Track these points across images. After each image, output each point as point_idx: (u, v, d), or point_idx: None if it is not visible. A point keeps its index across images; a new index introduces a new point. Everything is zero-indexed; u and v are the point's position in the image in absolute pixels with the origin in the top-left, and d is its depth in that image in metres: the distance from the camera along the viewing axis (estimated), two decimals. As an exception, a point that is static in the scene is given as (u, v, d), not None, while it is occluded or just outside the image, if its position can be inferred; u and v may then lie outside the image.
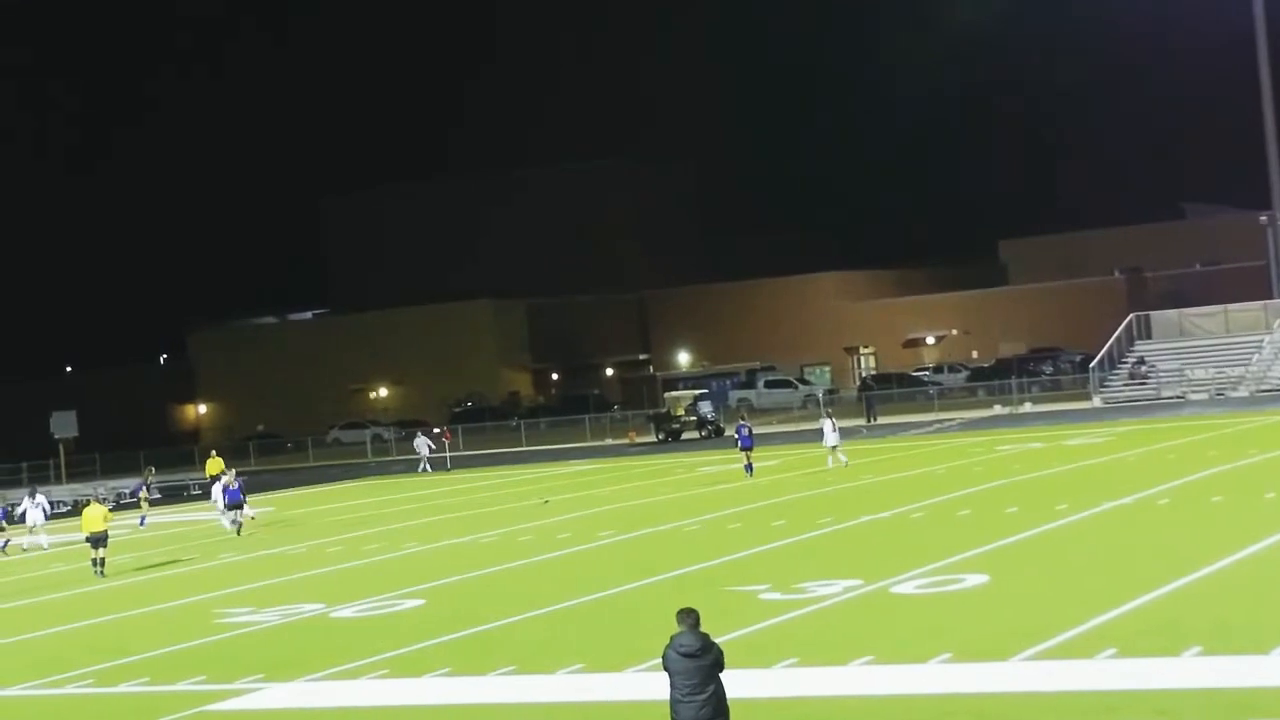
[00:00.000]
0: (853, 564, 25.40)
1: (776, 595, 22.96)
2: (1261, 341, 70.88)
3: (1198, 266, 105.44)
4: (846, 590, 22.90)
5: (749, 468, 46.33)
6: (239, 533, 42.91)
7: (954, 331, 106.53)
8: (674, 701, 12.66)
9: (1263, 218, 78.04)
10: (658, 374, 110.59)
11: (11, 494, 60.50)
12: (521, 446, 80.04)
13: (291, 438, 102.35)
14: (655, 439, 73.65)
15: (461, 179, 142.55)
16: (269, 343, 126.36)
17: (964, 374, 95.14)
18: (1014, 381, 79.54)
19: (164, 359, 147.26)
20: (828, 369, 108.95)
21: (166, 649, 23.56)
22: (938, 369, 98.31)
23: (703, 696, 12.53)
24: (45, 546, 44.36)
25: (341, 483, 65.86)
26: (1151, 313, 77.49)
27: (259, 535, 42.52)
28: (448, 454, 69.44)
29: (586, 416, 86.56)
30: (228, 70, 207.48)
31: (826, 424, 47.04)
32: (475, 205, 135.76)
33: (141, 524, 49.83)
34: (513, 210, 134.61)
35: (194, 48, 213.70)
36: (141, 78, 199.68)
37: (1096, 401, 70.48)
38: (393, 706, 18.30)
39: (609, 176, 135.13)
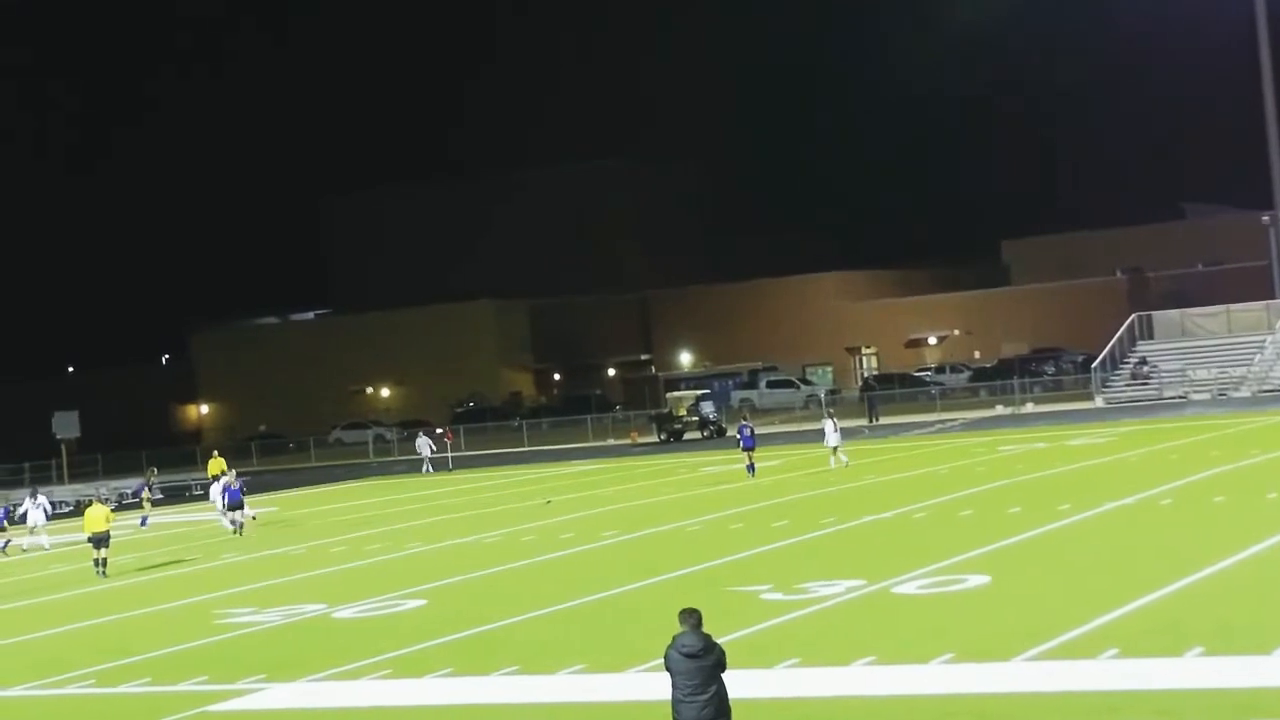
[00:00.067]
0: (855, 564, 25.39)
1: (778, 595, 22.96)
2: (1263, 342, 70.86)
3: (1200, 267, 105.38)
4: (848, 590, 22.89)
5: (751, 468, 46.33)
6: (240, 533, 42.92)
7: (956, 332, 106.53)
8: (676, 702, 12.65)
9: (1264, 218, 77.98)
10: (660, 374, 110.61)
11: (14, 494, 60.51)
12: (523, 447, 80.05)
13: (293, 438, 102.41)
14: (657, 439, 73.64)
15: (462, 179, 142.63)
16: (271, 343, 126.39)
17: (966, 374, 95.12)
18: (1016, 382, 79.53)
19: (166, 359, 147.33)
20: (830, 369, 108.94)
21: (168, 649, 23.56)
22: (940, 369, 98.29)
23: (705, 697, 12.53)
24: (47, 547, 44.36)
25: (343, 483, 65.87)
26: (1153, 313, 77.48)
27: (261, 536, 42.52)
28: (449, 454, 69.46)
29: (589, 417, 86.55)
30: (228, 70, 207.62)
31: (828, 424, 47.04)
32: (475, 205, 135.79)
33: (143, 524, 49.83)
34: (513, 210, 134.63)
35: (194, 48, 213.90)
36: (141, 78, 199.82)
37: (1099, 402, 70.47)
38: (395, 707, 18.30)
39: (609, 176, 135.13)
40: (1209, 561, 22.48)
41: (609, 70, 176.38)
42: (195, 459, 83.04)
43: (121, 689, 20.87)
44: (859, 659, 18.05)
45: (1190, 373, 70.24)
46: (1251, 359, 70.01)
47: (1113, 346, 73.97)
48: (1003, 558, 25.10)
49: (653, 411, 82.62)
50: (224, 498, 44.71)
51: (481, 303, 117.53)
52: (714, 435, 71.79)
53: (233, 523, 43.66)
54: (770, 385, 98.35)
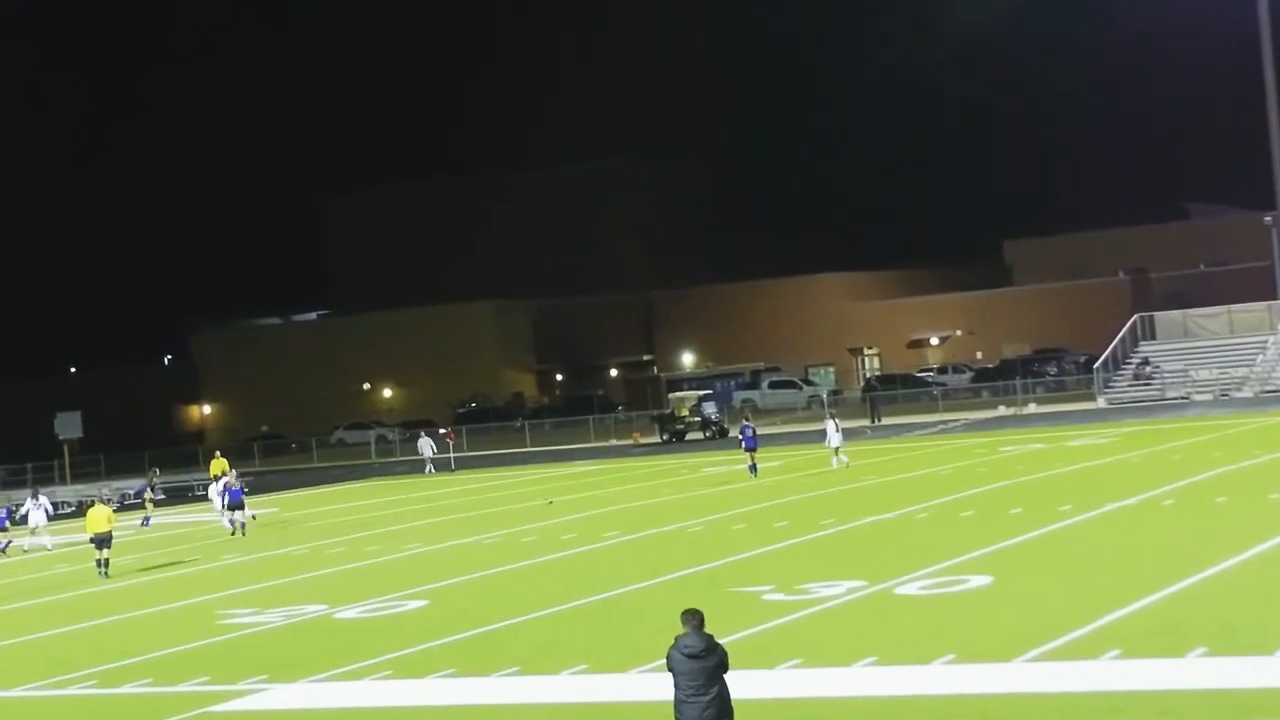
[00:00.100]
0: (856, 565, 25.38)
1: (780, 596, 22.95)
2: (1266, 342, 70.84)
3: (1202, 267, 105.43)
4: (850, 591, 22.89)
5: (753, 468, 46.32)
6: (243, 533, 42.93)
7: (958, 332, 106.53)
8: (678, 702, 12.65)
9: (1267, 218, 77.94)
10: (662, 375, 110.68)
11: (16, 495, 60.54)
12: (526, 447, 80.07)
13: (296, 438, 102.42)
14: (659, 440, 73.64)
15: (462, 179, 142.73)
16: (273, 343, 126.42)
17: (968, 375, 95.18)
18: (1018, 382, 79.52)
19: (168, 360, 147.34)
20: (832, 370, 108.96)
21: (170, 650, 23.56)
22: (942, 370, 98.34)
23: (707, 698, 12.53)
24: (49, 547, 44.37)
25: (345, 483, 65.88)
26: (1156, 313, 77.49)
27: (263, 536, 42.52)
28: (451, 455, 69.46)
29: (591, 417, 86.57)
30: (228, 70, 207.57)
31: (830, 425, 47.03)
32: (475, 205, 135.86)
33: (145, 524, 49.85)
34: (513, 210, 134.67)
35: (194, 48, 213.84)
36: (141, 78, 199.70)
37: (1101, 402, 70.45)
38: (396, 707, 18.30)
39: (609, 176, 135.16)
40: (1211, 562, 22.47)
41: (609, 70, 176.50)
42: (198, 459, 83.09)
43: (123, 689, 20.87)
44: (861, 660, 18.04)
45: (1192, 373, 70.23)
46: (1254, 359, 70.00)
47: (1115, 347, 73.96)
48: (1004, 558, 25.09)
49: (655, 412, 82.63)
50: (224, 497, 44.75)
51: (484, 303, 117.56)
52: (716, 436, 71.79)
53: (231, 523, 43.67)
54: (772, 386, 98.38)
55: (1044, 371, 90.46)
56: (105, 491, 63.55)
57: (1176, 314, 76.62)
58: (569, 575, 28.23)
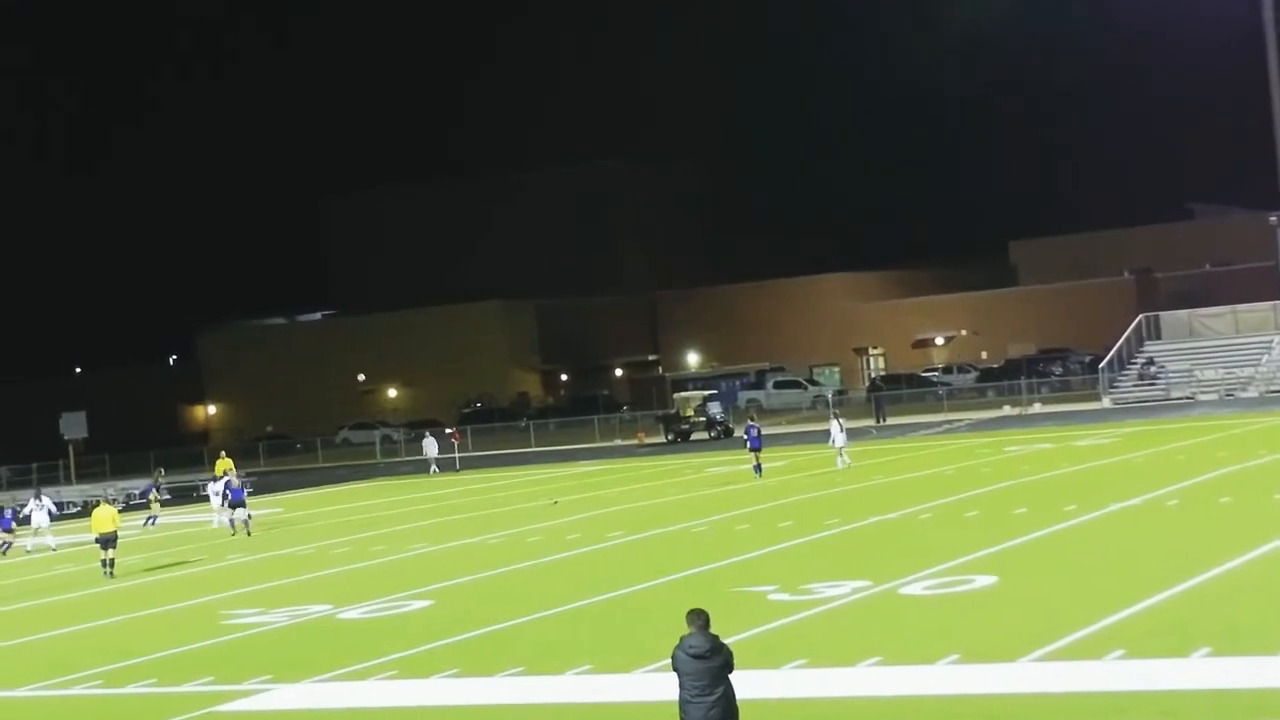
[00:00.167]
0: (861, 565, 25.38)
1: (785, 596, 22.96)
2: (1271, 342, 70.78)
3: (1207, 267, 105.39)
4: (855, 591, 22.89)
5: (758, 468, 46.32)
6: (247, 531, 42.97)
7: (963, 332, 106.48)
8: (683, 702, 12.65)
9: (1272, 218, 77.78)
10: (667, 375, 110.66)
11: (21, 495, 60.58)
12: (530, 447, 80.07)
13: (300, 438, 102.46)
14: (664, 440, 73.62)
15: (462, 179, 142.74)
16: (277, 343, 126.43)
17: (973, 375, 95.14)
18: (1023, 382, 79.46)
19: (173, 360, 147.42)
20: (837, 370, 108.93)
21: (174, 650, 23.58)
22: (947, 370, 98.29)
23: (712, 698, 12.53)
24: (54, 547, 44.41)
25: (350, 483, 65.91)
26: (1161, 313, 77.42)
27: (267, 536, 42.54)
28: (456, 455, 69.48)
29: (595, 417, 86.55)
30: (228, 70, 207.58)
31: (834, 425, 47.03)
32: (475, 206, 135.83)
33: (151, 524, 49.86)
34: (513, 210, 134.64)
35: (194, 48, 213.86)
36: (141, 78, 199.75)
37: (1106, 402, 70.41)
38: (401, 707, 18.31)
39: (609, 176, 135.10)
40: (1216, 562, 22.46)
41: (609, 70, 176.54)
42: (203, 460, 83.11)
43: (128, 689, 20.89)
44: (865, 660, 18.04)
45: (1197, 373, 70.18)
46: (1259, 359, 69.94)
47: (1120, 347, 73.91)
48: (1009, 558, 25.08)
49: (660, 412, 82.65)
50: (224, 495, 44.81)
51: (489, 303, 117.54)
52: (721, 436, 71.80)
53: (232, 522, 43.70)
54: (777, 386, 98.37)
55: (1049, 371, 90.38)
56: (110, 492, 63.56)
57: (1182, 314, 76.56)
58: (574, 575, 28.23)
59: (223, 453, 57.38)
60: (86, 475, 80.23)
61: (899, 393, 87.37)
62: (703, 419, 73.38)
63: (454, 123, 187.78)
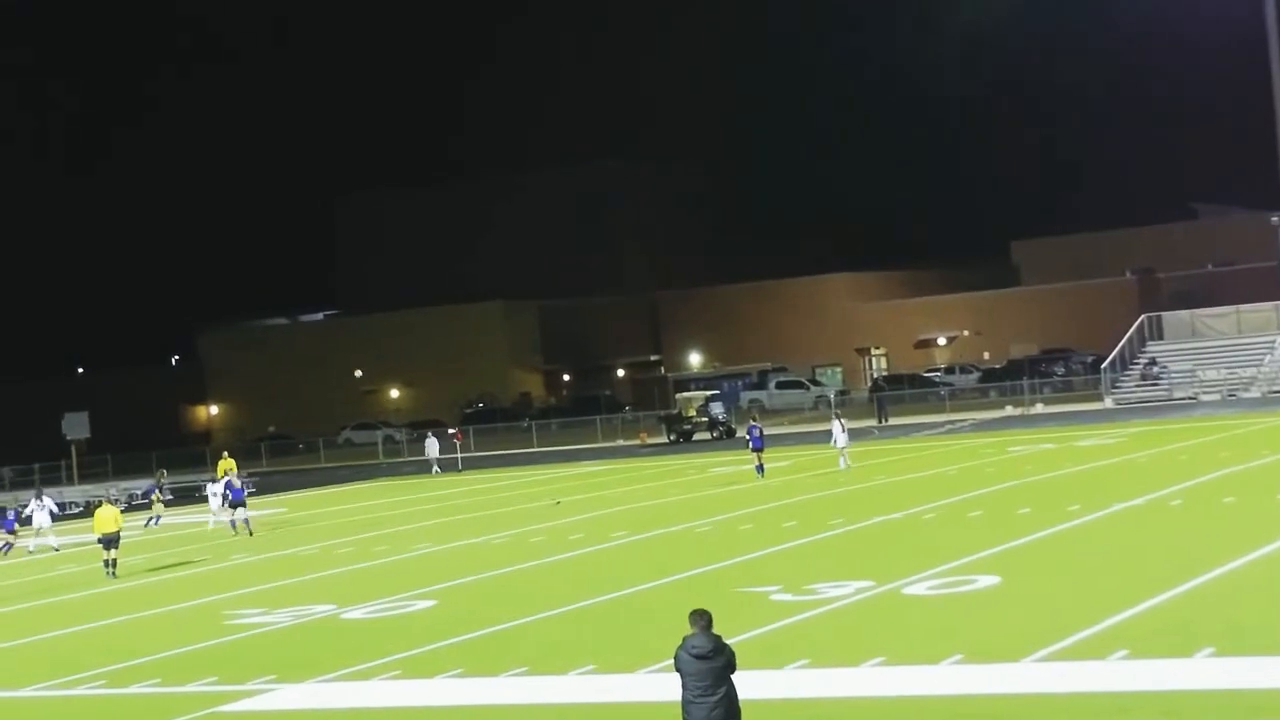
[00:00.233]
0: (864, 565, 25.38)
1: (788, 596, 22.96)
2: (1273, 342, 70.76)
3: (1209, 267, 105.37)
4: (858, 591, 22.89)
5: (760, 469, 46.32)
6: (248, 531, 42.99)
7: (965, 332, 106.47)
8: (686, 703, 12.66)
9: (1274, 218, 77.80)
10: (669, 375, 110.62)
11: (23, 495, 60.56)
12: (533, 447, 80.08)
13: (303, 439, 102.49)
14: (667, 440, 73.62)
15: (462, 180, 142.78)
16: (280, 344, 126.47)
17: (975, 375, 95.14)
18: (1026, 382, 79.47)
19: (175, 360, 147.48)
20: (839, 370, 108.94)
21: (178, 650, 23.59)
22: (949, 370, 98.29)
23: (714, 698, 12.53)
24: (56, 548, 44.41)
25: (353, 484, 65.91)
26: (1163, 313, 77.40)
27: (270, 536, 42.56)
28: (459, 455, 69.49)
29: (598, 417, 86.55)
30: (228, 70, 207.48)
31: (836, 425, 47.02)
32: (476, 206, 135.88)
33: (154, 523, 49.87)
34: (514, 211, 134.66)
35: (194, 48, 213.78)
36: (141, 78, 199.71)
37: (1108, 402, 70.41)
38: (404, 707, 18.32)
39: (609, 176, 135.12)
40: (1219, 562, 22.46)
41: (609, 70, 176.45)
42: (205, 460, 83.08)
43: (131, 690, 20.90)
44: (869, 660, 18.05)
45: (1200, 373, 70.16)
46: (1261, 360, 69.91)
47: (1122, 347, 73.89)
48: (1012, 559, 25.08)
49: (662, 412, 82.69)
50: (225, 496, 44.83)
51: (491, 304, 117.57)
52: (723, 436, 71.80)
53: (232, 522, 43.71)
54: (780, 386, 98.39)
55: (1051, 372, 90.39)
56: (113, 492, 63.57)
57: (1184, 314, 76.55)
58: (577, 575, 28.24)
59: (225, 453, 57.38)
60: (89, 476, 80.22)
61: (901, 393, 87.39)
62: (705, 419, 73.39)
63: (454, 123, 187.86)
